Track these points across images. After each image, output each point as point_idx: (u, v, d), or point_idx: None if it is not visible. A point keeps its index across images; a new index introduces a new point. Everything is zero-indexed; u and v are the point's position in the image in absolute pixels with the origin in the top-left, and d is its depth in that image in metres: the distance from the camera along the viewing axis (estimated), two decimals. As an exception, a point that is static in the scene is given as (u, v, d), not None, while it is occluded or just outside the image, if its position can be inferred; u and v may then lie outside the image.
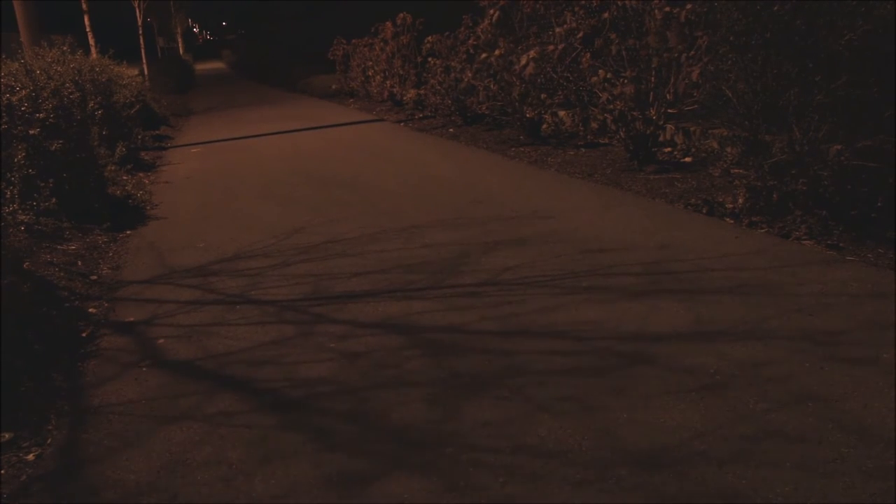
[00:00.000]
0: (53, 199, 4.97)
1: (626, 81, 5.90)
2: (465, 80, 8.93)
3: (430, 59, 10.30)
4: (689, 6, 5.42)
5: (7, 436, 2.49)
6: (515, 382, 2.59)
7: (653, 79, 5.85)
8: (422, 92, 11.02)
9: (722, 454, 2.08)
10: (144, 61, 18.81)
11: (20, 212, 4.74)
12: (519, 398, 2.48)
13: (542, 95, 7.47)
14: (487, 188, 5.86)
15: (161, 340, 3.26)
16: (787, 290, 3.24)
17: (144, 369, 2.97)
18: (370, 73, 13.87)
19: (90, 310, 3.70)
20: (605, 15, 6.13)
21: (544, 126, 8.19)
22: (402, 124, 10.83)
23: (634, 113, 5.95)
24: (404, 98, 11.96)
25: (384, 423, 2.40)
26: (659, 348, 2.77)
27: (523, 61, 7.10)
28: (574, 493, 1.96)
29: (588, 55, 6.37)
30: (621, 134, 6.18)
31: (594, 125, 7.66)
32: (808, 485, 1.92)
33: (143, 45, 19.19)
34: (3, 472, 2.31)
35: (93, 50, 12.29)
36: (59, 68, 5.90)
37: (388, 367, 2.80)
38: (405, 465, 2.16)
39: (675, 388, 2.46)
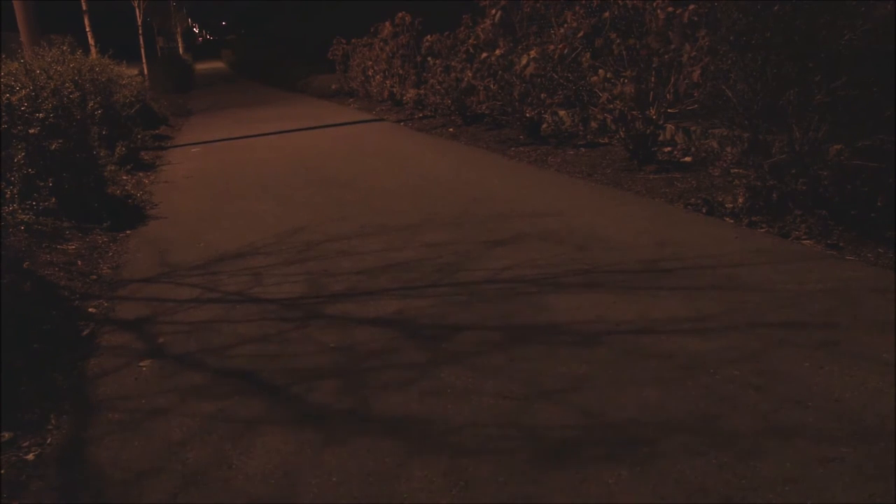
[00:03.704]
0: (53, 199, 4.97)
1: (626, 81, 5.90)
2: (466, 79, 8.93)
3: (429, 58, 10.31)
4: (691, 7, 5.42)
5: (7, 436, 2.49)
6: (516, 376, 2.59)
7: (653, 78, 5.85)
8: (421, 92, 11.02)
9: (722, 449, 2.09)
10: (144, 61, 18.81)
11: (20, 211, 4.73)
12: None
13: (542, 95, 7.48)
14: (487, 188, 5.86)
15: (161, 339, 3.26)
16: (786, 290, 3.24)
17: (145, 368, 2.97)
18: (370, 73, 13.87)
19: (90, 309, 3.70)
20: (606, 14, 6.13)
21: (544, 126, 8.19)
22: (402, 124, 10.83)
23: (634, 112, 5.95)
24: (404, 98, 11.96)
25: (379, 413, 2.40)
26: (658, 344, 2.77)
27: (524, 61, 7.11)
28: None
29: (588, 55, 6.38)
30: (621, 134, 6.18)
31: (594, 125, 7.68)
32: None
33: (142, 45, 19.19)
34: (2, 472, 2.30)
35: (92, 50, 12.29)
36: (58, 68, 5.90)
37: (389, 363, 2.80)
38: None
39: (673, 378, 2.46)
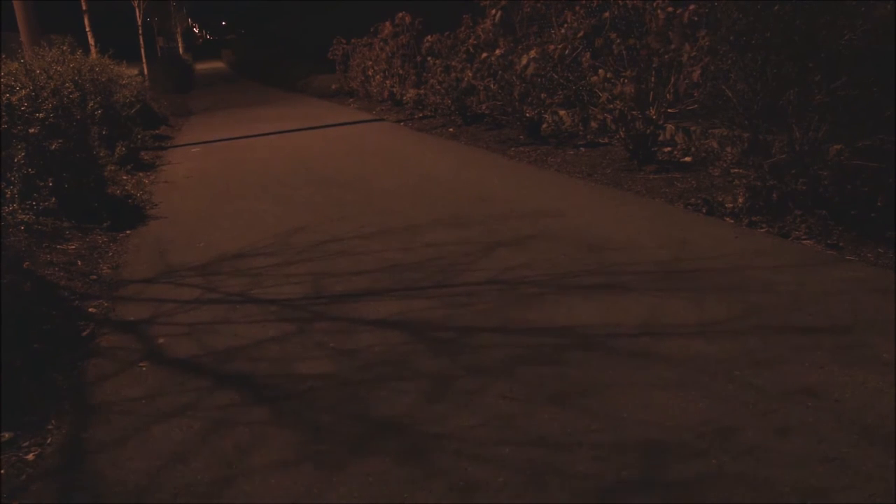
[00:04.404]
0: (53, 199, 4.97)
1: (626, 81, 5.90)
2: (466, 79, 8.93)
3: (429, 58, 10.31)
4: (691, 7, 5.42)
5: (7, 436, 2.49)
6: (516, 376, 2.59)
7: (653, 78, 5.85)
8: (421, 92, 11.02)
9: (722, 450, 2.09)
10: (144, 61, 18.81)
11: (20, 211, 4.73)
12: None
13: (542, 95, 7.48)
14: (487, 188, 5.86)
15: (161, 339, 3.26)
16: (786, 290, 3.24)
17: (144, 368, 2.97)
18: (370, 73, 13.87)
19: (90, 309, 3.70)
20: (606, 14, 6.13)
21: (544, 126, 8.19)
22: (401, 124, 10.83)
23: (634, 112, 5.95)
24: (404, 98, 11.96)
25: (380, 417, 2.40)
26: (659, 345, 2.77)
27: (524, 61, 7.11)
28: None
29: (588, 55, 6.38)
30: (621, 134, 6.18)
31: (594, 125, 7.68)
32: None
33: (142, 45, 19.19)
34: (2, 472, 2.30)
35: (92, 50, 12.29)
36: (58, 68, 5.91)
37: (392, 366, 2.80)
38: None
39: (673, 379, 2.46)
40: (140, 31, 19.06)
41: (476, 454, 2.18)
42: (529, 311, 3.23)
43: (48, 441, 2.47)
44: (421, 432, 2.32)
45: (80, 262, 4.40)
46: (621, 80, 5.97)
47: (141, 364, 3.01)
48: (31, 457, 2.38)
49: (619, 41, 5.97)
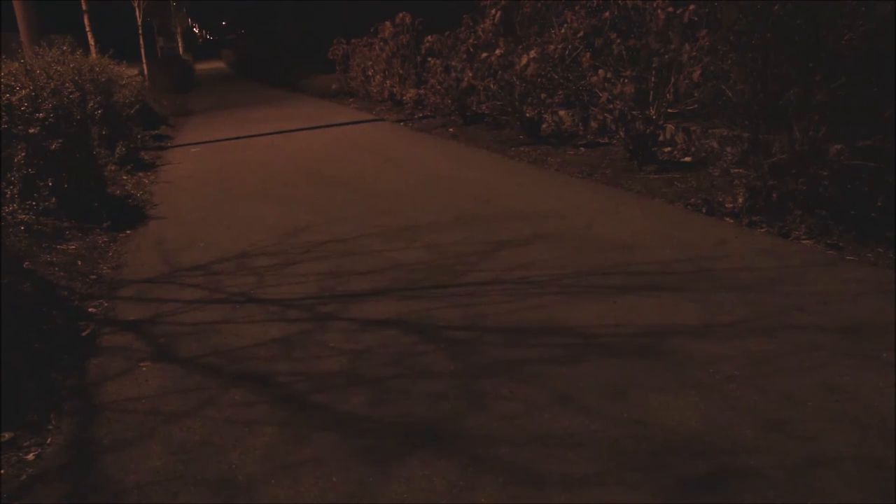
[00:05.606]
0: (53, 199, 4.97)
1: (626, 81, 5.90)
2: (466, 79, 8.93)
3: (429, 58, 10.31)
4: (691, 7, 5.42)
5: (7, 436, 2.49)
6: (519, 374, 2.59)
7: (653, 78, 5.85)
8: (421, 92, 11.01)
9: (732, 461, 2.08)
10: (144, 61, 18.80)
11: (20, 211, 4.73)
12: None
13: (542, 95, 7.48)
14: (488, 188, 5.86)
15: (161, 339, 3.26)
16: (786, 290, 3.24)
17: (145, 368, 2.97)
18: (370, 73, 13.86)
19: (90, 309, 3.70)
20: (606, 14, 6.13)
21: (544, 126, 8.19)
22: (401, 124, 10.83)
23: (634, 112, 5.95)
24: (404, 98, 11.95)
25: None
26: (658, 345, 2.77)
27: (524, 61, 7.11)
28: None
29: (588, 55, 6.38)
30: (621, 134, 6.18)
31: (594, 125, 7.68)
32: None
33: (142, 45, 19.18)
34: (2, 472, 2.30)
35: (92, 50, 12.28)
36: (58, 68, 5.90)
37: (396, 366, 2.80)
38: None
39: (673, 379, 2.46)
40: (140, 31, 19.04)
41: (477, 453, 2.18)
42: (530, 311, 3.23)
43: (48, 441, 2.48)
44: (421, 432, 2.32)
45: (80, 263, 4.40)
46: (621, 80, 5.97)
47: (142, 364, 3.01)
48: (31, 457, 2.39)
49: (619, 41, 5.97)
